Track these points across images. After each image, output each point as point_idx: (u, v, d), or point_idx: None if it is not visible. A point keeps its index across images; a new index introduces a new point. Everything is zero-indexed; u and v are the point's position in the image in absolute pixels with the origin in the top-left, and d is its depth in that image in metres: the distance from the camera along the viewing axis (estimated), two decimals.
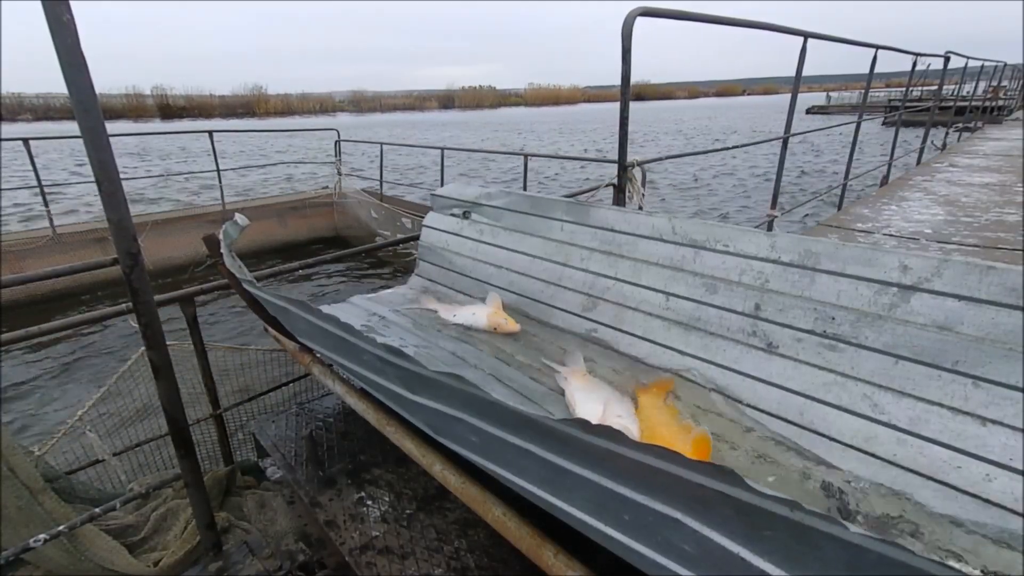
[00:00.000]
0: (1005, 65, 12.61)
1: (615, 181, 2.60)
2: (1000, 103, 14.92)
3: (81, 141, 1.09)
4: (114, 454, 1.93)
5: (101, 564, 1.57)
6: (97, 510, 1.51)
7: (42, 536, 1.37)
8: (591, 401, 1.40)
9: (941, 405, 1.11)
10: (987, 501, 1.01)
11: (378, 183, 8.10)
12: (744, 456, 1.24)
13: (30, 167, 6.03)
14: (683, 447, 1.22)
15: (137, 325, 1.29)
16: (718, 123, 37.93)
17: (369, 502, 1.62)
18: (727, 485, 0.57)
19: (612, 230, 1.80)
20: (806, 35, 3.27)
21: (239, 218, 1.59)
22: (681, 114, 57.39)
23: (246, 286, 1.41)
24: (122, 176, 1.16)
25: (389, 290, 2.40)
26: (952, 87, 13.40)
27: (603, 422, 1.31)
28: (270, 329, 1.90)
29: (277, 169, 16.79)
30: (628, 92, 2.25)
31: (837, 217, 4.51)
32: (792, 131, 3.62)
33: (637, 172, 2.60)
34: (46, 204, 6.27)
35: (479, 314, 1.93)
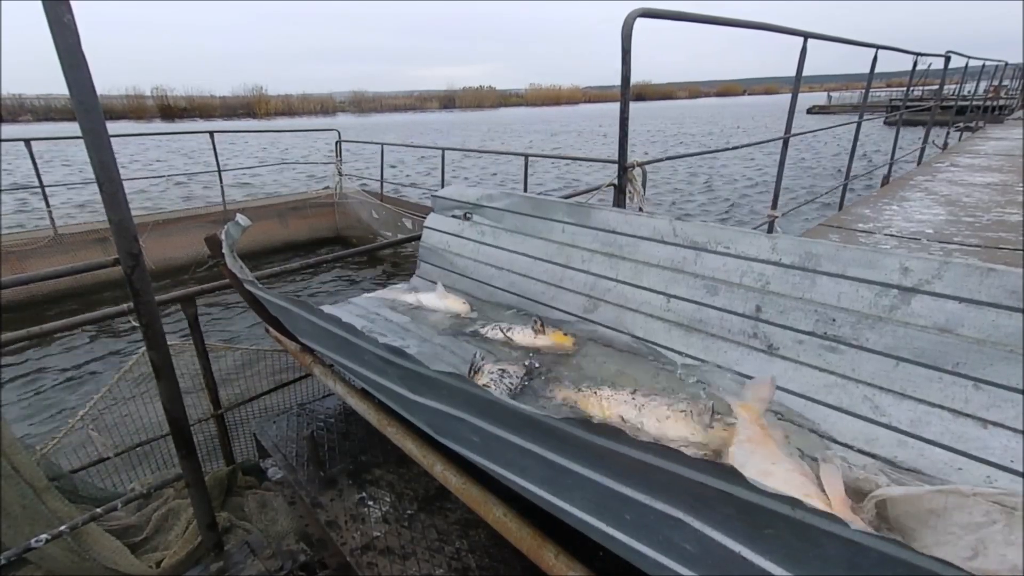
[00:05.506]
0: (1006, 64, 12.59)
1: (616, 182, 2.60)
2: (1001, 102, 14.89)
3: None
4: (116, 454, 1.93)
5: (104, 564, 1.58)
6: (99, 510, 1.51)
7: (44, 536, 1.37)
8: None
9: (942, 407, 1.11)
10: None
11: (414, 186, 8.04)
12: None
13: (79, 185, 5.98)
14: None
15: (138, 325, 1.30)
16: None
17: (370, 502, 1.62)
18: (728, 484, 0.57)
19: (613, 232, 1.80)
20: (806, 35, 3.26)
21: (240, 218, 1.59)
22: (717, 112, 56.51)
23: (248, 286, 1.42)
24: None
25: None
26: (953, 87, 13.38)
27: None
28: (271, 329, 1.91)
29: (305, 168, 16.40)
30: (628, 92, 2.25)
31: (838, 217, 4.50)
32: (792, 131, 3.62)
33: (637, 173, 2.60)
34: (47, 204, 6.28)
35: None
